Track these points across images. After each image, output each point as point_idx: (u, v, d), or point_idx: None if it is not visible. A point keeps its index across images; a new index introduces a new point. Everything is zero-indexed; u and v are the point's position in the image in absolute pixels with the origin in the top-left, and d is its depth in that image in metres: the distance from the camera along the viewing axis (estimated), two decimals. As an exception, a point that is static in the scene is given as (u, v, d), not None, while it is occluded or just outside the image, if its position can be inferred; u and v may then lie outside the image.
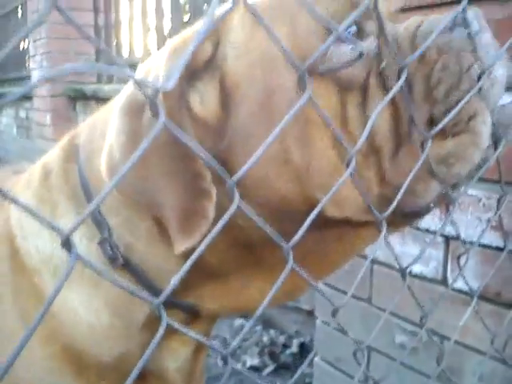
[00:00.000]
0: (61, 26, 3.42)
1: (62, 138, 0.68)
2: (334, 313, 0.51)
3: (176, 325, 0.40)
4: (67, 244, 0.33)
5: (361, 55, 0.41)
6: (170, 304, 0.55)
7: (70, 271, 0.33)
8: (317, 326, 1.40)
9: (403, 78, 0.41)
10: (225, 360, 0.45)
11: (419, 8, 1.04)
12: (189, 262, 0.38)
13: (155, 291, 0.57)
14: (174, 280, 0.37)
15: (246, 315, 2.00)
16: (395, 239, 1.12)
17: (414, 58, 0.44)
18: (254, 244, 0.55)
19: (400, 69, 0.41)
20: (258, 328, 1.92)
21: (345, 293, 1.25)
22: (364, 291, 1.22)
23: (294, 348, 1.75)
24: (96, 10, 3.65)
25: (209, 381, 1.63)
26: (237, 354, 1.78)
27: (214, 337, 1.90)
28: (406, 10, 1.07)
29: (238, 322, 1.98)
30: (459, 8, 0.46)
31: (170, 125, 0.30)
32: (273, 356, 1.73)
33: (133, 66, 2.33)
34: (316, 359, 1.40)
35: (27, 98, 4.07)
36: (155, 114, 0.30)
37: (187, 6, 3.24)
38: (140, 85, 0.29)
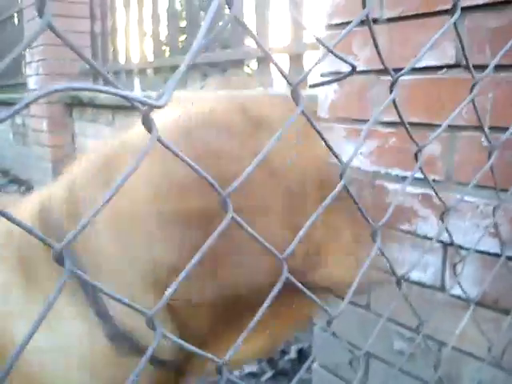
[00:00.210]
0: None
1: (28, 203, 0.61)
2: (329, 323, 0.51)
3: (169, 335, 0.40)
4: (60, 259, 0.33)
5: (353, 70, 0.41)
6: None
7: (62, 286, 0.33)
8: (315, 331, 1.40)
9: (395, 91, 0.41)
10: (219, 370, 0.45)
11: (415, 17, 1.04)
12: (183, 274, 0.38)
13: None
14: (168, 292, 0.37)
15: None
16: (393, 246, 1.12)
17: (407, 72, 0.44)
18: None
19: (392, 82, 0.42)
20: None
21: (342, 299, 1.25)
22: (362, 298, 1.22)
23: (293, 354, 1.74)
24: (92, 17, 3.65)
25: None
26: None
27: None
28: (402, 18, 1.07)
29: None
30: (451, 21, 0.46)
31: (163, 140, 0.30)
32: (271, 362, 1.72)
33: (129, 72, 2.32)
34: (314, 365, 1.39)
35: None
36: (148, 130, 0.30)
37: (184, 13, 3.25)
38: (133, 101, 0.29)
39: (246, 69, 2.69)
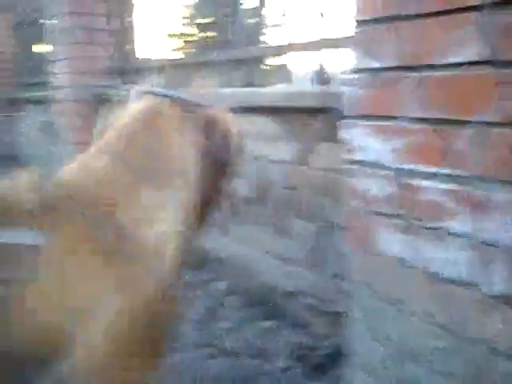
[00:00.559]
0: (81, 32, 3.47)
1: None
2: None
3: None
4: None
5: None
6: None
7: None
8: (349, 327, 1.39)
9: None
10: None
11: (444, 13, 1.03)
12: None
13: None
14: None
15: (272, 316, 2.01)
16: (426, 244, 1.12)
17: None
18: None
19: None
20: (288, 329, 1.93)
21: (380, 294, 1.26)
22: (398, 295, 1.21)
23: (325, 350, 1.74)
24: (109, 15, 3.67)
25: (245, 382, 1.66)
26: (267, 356, 1.79)
27: (238, 339, 1.92)
28: (431, 14, 1.06)
29: (266, 323, 1.99)
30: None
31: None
32: (303, 358, 1.73)
33: (148, 69, 2.34)
34: (349, 361, 1.39)
35: (51, 102, 4.12)
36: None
37: (202, 9, 3.24)
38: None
39: (264, 65, 2.68)
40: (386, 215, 1.19)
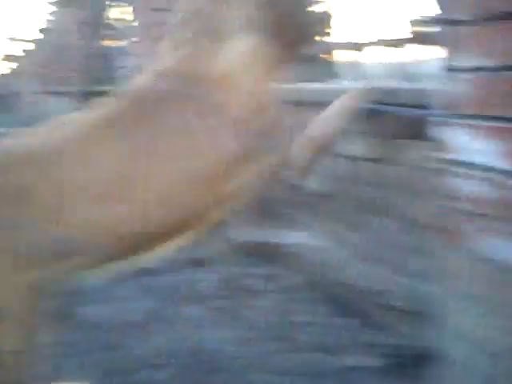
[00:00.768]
0: (152, 28, 3.55)
1: None
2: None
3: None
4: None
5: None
6: None
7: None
8: (438, 330, 1.36)
9: None
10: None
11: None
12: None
13: None
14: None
15: (345, 314, 2.00)
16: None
17: None
18: None
19: None
20: (359, 326, 1.92)
21: (478, 297, 1.24)
22: (498, 299, 1.18)
23: (398, 350, 1.72)
24: (170, 9, 3.70)
25: (314, 378, 1.66)
26: (337, 353, 1.79)
27: (309, 334, 1.92)
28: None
29: (339, 320, 1.99)
30: None
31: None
32: (375, 355, 1.72)
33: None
34: (438, 363, 1.37)
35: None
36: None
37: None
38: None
39: (335, 60, 2.67)
40: (485, 217, 1.16)
